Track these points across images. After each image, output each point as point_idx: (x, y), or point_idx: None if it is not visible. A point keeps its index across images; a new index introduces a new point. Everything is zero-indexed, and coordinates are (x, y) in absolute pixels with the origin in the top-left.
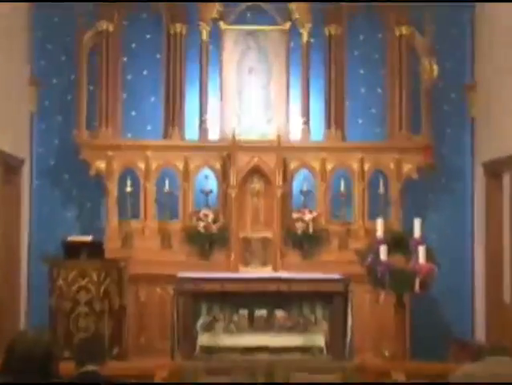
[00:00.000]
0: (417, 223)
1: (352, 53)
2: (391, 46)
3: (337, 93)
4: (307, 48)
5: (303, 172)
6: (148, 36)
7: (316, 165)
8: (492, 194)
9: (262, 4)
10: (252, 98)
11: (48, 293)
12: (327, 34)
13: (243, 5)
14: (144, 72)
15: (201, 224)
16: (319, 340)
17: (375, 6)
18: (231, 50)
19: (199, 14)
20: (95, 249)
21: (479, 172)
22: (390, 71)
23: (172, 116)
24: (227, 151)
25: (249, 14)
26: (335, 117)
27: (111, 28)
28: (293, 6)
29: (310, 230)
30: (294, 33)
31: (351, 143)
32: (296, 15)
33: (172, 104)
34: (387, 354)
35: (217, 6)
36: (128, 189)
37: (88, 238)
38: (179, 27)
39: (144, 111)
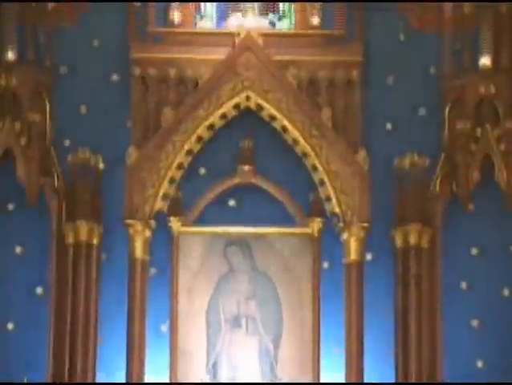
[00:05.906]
0: None
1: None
2: None
3: None
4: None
5: None
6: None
7: None
8: None
9: (258, 177)
10: None
11: None
12: (411, 241)
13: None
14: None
15: None
16: None
17: None
18: (195, 279)
19: (115, 209)
20: None
21: None
22: None
23: None
24: None
25: (232, 203)
26: None
27: None
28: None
29: None
30: (330, 243)
31: None
32: (340, 209)
33: None
34: None
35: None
36: None
37: None
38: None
39: None
